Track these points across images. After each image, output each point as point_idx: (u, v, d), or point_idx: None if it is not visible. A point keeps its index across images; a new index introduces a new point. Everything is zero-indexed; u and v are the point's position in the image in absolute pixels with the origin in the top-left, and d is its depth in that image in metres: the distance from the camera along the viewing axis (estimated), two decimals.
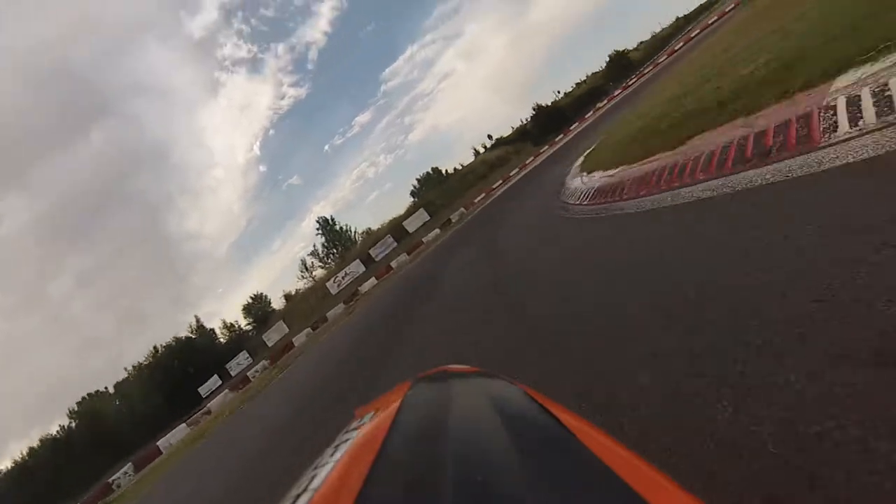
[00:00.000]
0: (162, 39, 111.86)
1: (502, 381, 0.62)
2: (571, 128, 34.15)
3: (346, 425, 0.61)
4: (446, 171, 55.95)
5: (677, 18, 77.96)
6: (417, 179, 56.84)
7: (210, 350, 46.49)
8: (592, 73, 64.64)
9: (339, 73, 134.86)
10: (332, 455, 0.49)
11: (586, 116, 34.24)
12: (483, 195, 29.96)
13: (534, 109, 53.77)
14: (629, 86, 32.86)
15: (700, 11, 65.82)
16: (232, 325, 53.00)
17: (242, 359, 37.17)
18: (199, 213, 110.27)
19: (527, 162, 32.68)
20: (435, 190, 45.33)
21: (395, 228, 38.26)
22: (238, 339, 49.17)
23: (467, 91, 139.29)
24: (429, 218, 35.58)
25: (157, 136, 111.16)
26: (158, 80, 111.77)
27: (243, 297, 73.58)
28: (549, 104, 54.32)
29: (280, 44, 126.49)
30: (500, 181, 31.80)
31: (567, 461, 0.40)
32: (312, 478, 0.44)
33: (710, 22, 30.11)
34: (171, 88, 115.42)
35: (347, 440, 0.52)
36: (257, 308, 53.04)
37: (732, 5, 25.55)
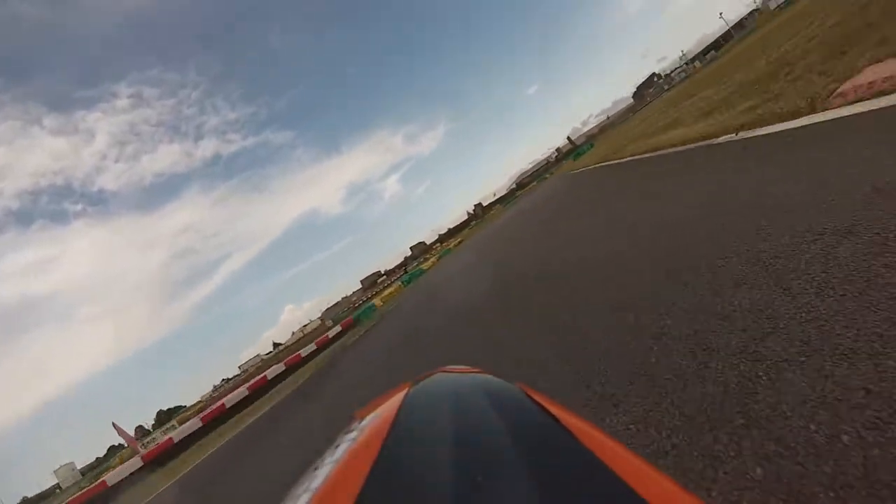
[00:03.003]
0: None
1: (501, 381, 0.63)
2: None
3: (346, 426, 0.60)
4: None
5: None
6: None
7: None
8: None
9: None
10: (332, 456, 0.49)
11: None
12: None
13: None
14: None
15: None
16: None
17: None
18: None
19: None
20: None
21: None
22: None
23: None
24: None
25: None
26: None
27: None
28: None
29: None
30: None
31: (566, 461, 0.41)
32: (312, 478, 0.45)
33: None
34: None
35: (347, 441, 0.51)
36: None
37: None
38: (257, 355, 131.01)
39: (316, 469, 0.48)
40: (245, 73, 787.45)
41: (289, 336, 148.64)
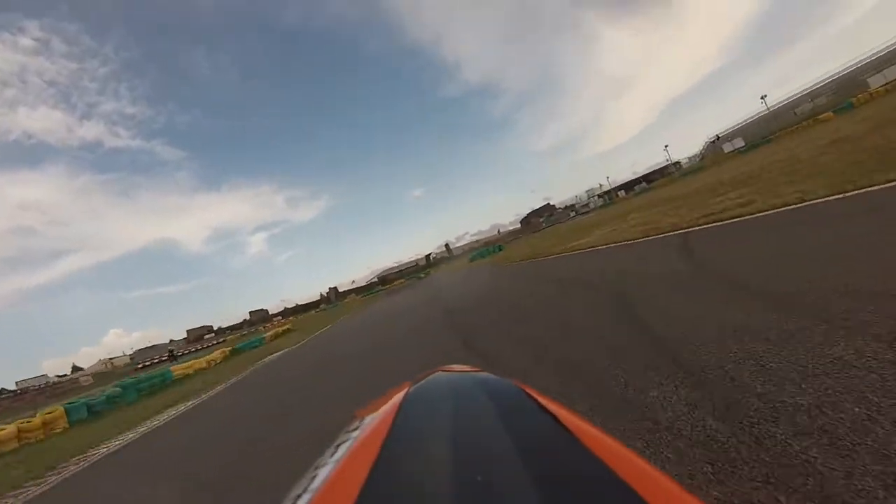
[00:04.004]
0: None
1: (501, 381, 0.63)
2: None
3: (346, 426, 0.61)
4: None
5: None
6: None
7: None
8: None
9: None
10: (332, 455, 0.49)
11: None
12: None
13: None
14: None
15: None
16: None
17: None
18: None
19: None
20: None
21: None
22: None
23: None
24: None
25: None
26: None
27: None
28: None
29: None
30: None
31: (567, 461, 0.41)
32: (313, 478, 0.44)
33: None
34: None
35: (347, 441, 0.51)
36: None
37: None
38: (45, 375, 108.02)
39: (316, 469, 0.47)
40: (161, 74, 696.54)
41: (95, 362, 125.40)
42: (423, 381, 0.67)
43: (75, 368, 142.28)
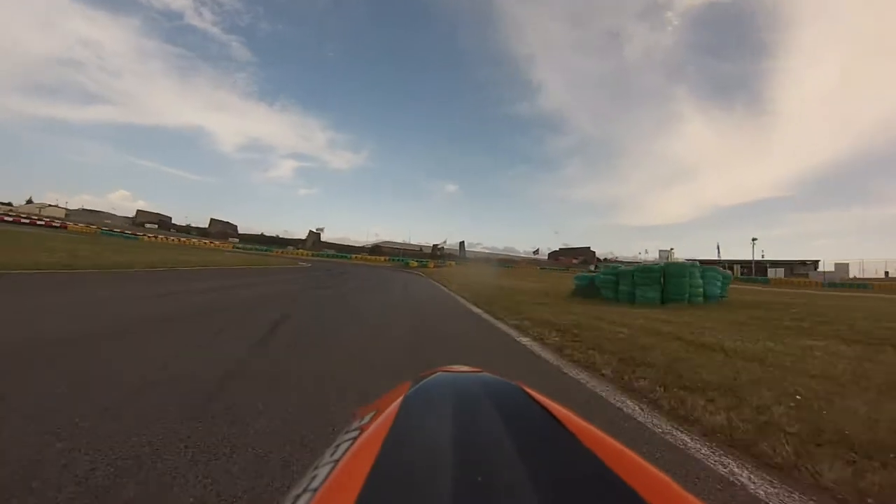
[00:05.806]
0: None
1: (502, 381, 0.63)
2: None
3: (346, 425, 0.61)
4: None
5: None
6: None
7: None
8: None
9: None
10: (332, 455, 0.48)
11: None
12: None
13: None
14: None
15: None
16: None
17: None
18: None
19: None
20: None
21: None
22: None
23: None
24: None
25: None
26: None
27: None
28: None
29: None
30: None
31: (567, 461, 0.41)
32: (313, 478, 0.44)
33: None
34: None
35: (347, 440, 0.51)
36: None
37: None
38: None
39: (316, 468, 0.46)
40: None
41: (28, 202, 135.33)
42: (423, 381, 0.65)
43: (28, 201, 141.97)
